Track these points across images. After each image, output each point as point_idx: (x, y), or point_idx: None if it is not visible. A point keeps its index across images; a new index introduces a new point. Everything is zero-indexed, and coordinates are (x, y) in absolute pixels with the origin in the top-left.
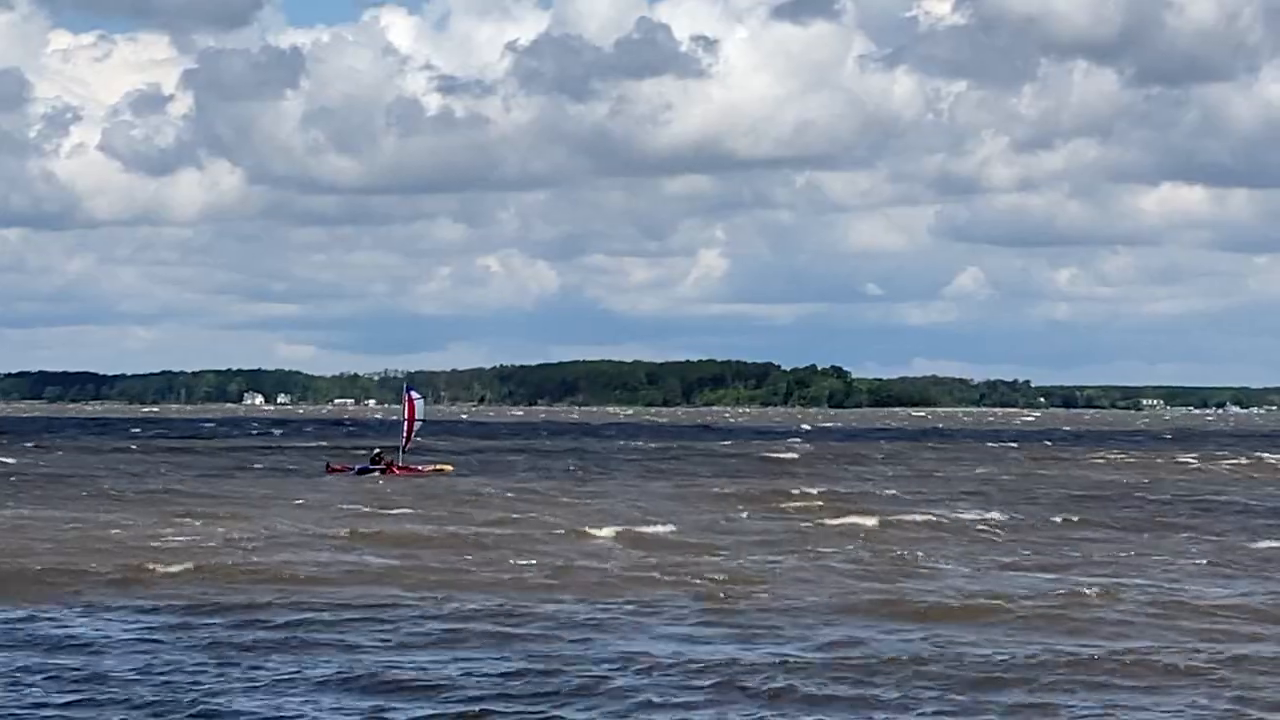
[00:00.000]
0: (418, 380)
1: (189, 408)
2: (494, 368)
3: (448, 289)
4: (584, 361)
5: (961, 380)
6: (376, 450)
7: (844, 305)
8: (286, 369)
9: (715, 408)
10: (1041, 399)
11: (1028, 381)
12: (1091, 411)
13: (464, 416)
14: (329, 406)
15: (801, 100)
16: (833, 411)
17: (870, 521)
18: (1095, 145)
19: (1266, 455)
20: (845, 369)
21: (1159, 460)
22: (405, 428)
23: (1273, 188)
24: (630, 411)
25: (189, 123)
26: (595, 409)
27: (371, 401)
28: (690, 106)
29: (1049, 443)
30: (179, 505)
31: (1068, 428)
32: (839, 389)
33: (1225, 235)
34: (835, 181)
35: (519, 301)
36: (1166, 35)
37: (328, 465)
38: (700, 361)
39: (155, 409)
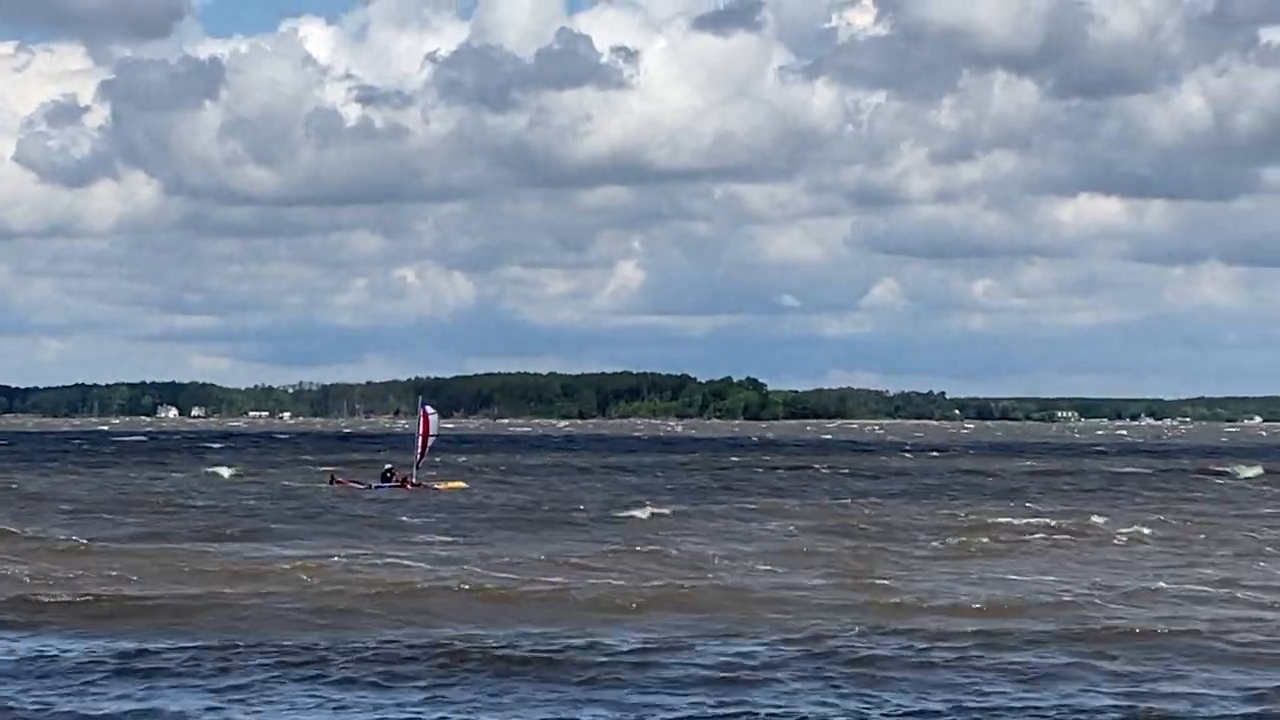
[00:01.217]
0: (332, 393)
1: (116, 421)
2: (409, 380)
3: (364, 301)
4: (499, 374)
5: (877, 392)
6: (388, 466)
7: (761, 317)
8: (201, 382)
9: (631, 419)
10: (957, 411)
11: (943, 393)
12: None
13: (405, 425)
14: (244, 420)
15: (721, 111)
16: (762, 424)
17: None
18: (1014, 157)
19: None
20: (761, 381)
21: None
22: (420, 442)
23: (1190, 199)
24: (564, 424)
25: (105, 134)
26: (506, 421)
27: (286, 415)
28: (610, 118)
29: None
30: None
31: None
32: (755, 401)
33: (1142, 247)
34: (754, 193)
35: (435, 313)
36: (1088, 47)
37: (331, 478)
38: (616, 374)
39: (78, 423)
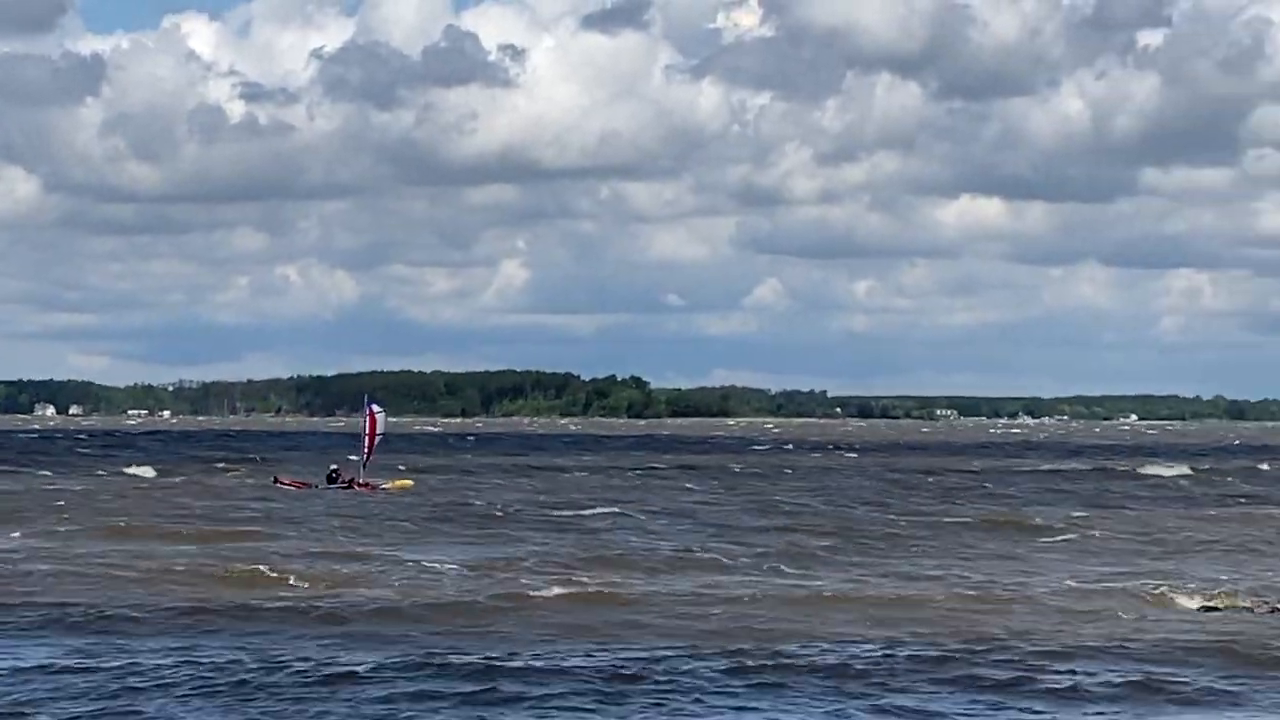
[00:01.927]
0: (213, 391)
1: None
2: (291, 378)
3: (246, 299)
4: (382, 372)
5: (759, 390)
6: (334, 466)
7: (645, 316)
8: (79, 380)
9: (514, 418)
10: (838, 409)
11: (824, 391)
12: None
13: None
14: (126, 418)
15: (607, 110)
16: (641, 423)
17: None
18: (897, 158)
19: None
20: (645, 379)
21: None
22: (366, 442)
23: (1069, 201)
24: (457, 421)
25: None
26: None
27: (166, 413)
28: (496, 116)
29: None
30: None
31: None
32: (638, 399)
33: (1021, 247)
34: (639, 192)
35: (318, 311)
36: (970, 50)
37: (275, 479)
38: (499, 372)
39: None
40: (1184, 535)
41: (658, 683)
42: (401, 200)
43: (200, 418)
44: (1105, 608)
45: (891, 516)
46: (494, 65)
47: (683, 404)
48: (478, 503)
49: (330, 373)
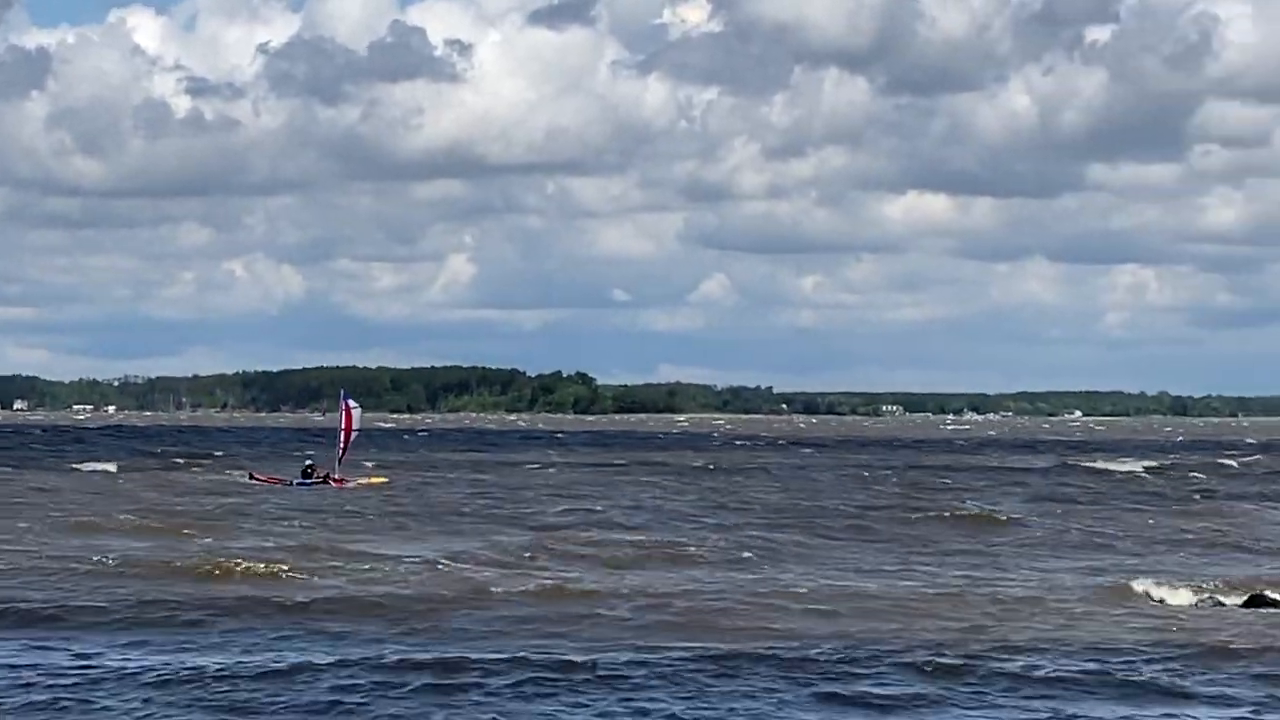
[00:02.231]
0: (159, 386)
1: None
2: (236, 374)
3: (191, 294)
4: (328, 367)
5: (705, 386)
6: (309, 462)
7: (591, 311)
8: (22, 374)
9: (460, 414)
10: (784, 405)
11: (770, 388)
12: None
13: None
14: (73, 413)
15: (554, 106)
16: (588, 418)
17: None
18: (844, 153)
19: None
20: (591, 375)
21: None
22: (342, 438)
23: (1016, 196)
24: (405, 418)
25: None
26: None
27: (111, 408)
28: (443, 111)
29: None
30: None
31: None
32: (584, 395)
33: (968, 243)
34: (586, 187)
35: (264, 306)
36: (918, 45)
37: (250, 474)
38: (445, 367)
39: None
40: (1149, 530)
41: (617, 674)
42: (347, 195)
43: (147, 413)
44: (1061, 602)
45: (855, 510)
46: (440, 60)
47: (629, 400)
48: (439, 497)
49: (276, 368)
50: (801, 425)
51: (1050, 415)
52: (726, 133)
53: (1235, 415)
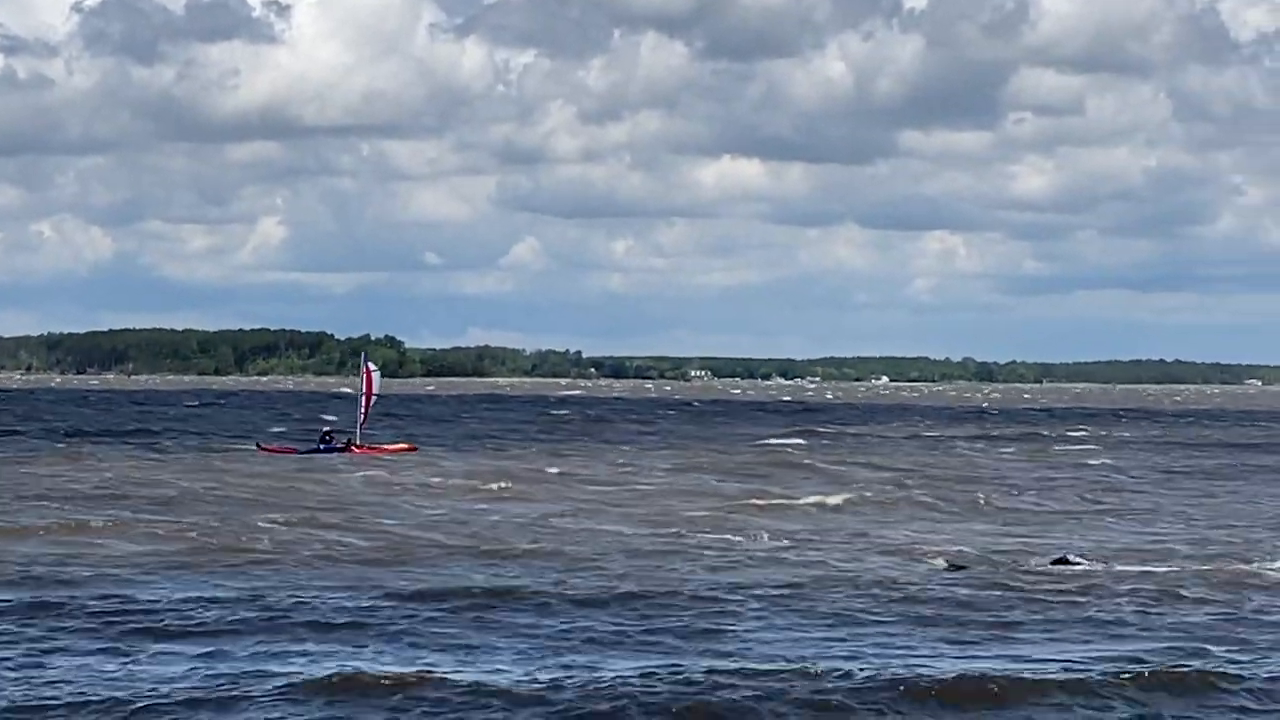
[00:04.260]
0: None
1: None
2: (41, 335)
3: None
4: (134, 330)
5: (514, 350)
6: (326, 429)
7: (403, 274)
8: None
9: (268, 377)
10: (593, 369)
11: (579, 352)
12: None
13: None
14: None
15: (371, 68)
16: (396, 382)
17: None
18: (660, 117)
19: None
20: (400, 339)
21: None
22: (363, 403)
23: (828, 162)
24: (212, 380)
25: None
26: (145, 378)
27: None
28: (259, 72)
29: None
30: None
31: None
32: (393, 359)
33: (780, 208)
34: (401, 150)
35: (73, 268)
36: (737, 10)
37: (258, 445)
38: (253, 330)
39: None
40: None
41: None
42: (161, 156)
43: None
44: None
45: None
46: (258, 21)
47: (437, 364)
48: None
49: (82, 330)
50: (616, 391)
51: (855, 380)
52: (543, 96)
53: (1039, 381)
